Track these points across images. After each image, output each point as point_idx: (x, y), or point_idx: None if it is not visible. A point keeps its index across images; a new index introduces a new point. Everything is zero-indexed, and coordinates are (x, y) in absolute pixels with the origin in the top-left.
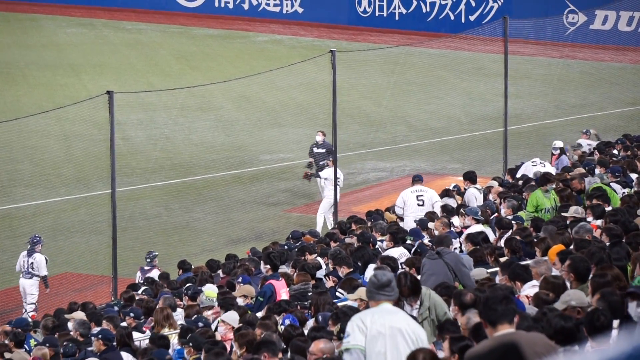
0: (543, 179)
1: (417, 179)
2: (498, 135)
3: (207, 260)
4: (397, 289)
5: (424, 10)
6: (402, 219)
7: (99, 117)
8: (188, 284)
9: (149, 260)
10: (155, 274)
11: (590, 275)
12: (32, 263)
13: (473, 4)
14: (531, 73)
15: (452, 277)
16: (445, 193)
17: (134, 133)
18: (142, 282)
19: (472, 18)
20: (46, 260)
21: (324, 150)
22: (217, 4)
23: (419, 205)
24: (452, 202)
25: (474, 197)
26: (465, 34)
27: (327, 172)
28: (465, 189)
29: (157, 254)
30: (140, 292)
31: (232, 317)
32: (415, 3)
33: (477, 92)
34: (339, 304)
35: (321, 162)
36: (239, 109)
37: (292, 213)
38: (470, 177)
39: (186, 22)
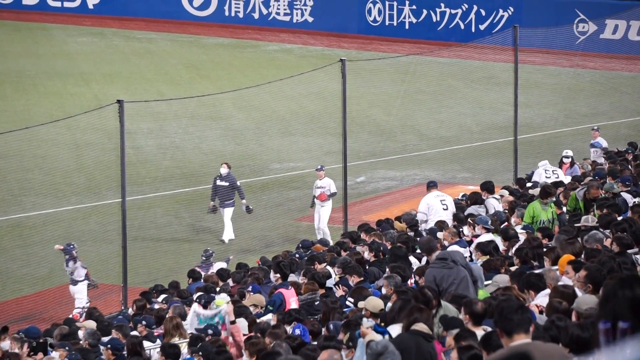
0: (543, 192)
1: (432, 185)
2: (508, 144)
3: (217, 269)
4: (396, 352)
5: (434, 20)
6: (412, 229)
7: (109, 126)
8: (199, 293)
9: (204, 258)
10: (218, 265)
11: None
12: (71, 272)
13: (483, 13)
14: (541, 82)
15: (472, 282)
16: (474, 201)
17: (144, 142)
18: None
19: (482, 27)
20: (82, 265)
21: (227, 184)
22: (227, 13)
23: (444, 209)
24: (482, 211)
25: (493, 207)
26: (476, 43)
27: (326, 182)
28: (483, 199)
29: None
30: (160, 299)
31: (241, 325)
32: (425, 12)
33: (488, 101)
34: (349, 312)
35: (226, 200)
36: (249, 118)
37: (302, 222)
38: (488, 187)
39: (196, 31)
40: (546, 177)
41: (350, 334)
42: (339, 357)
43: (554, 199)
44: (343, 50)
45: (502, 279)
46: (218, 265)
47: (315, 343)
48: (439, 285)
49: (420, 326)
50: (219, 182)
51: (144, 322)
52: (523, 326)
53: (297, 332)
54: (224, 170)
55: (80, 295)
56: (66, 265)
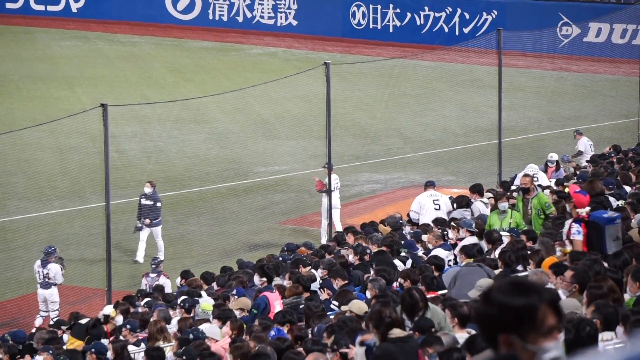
0: (494, 200)
1: (429, 184)
2: (492, 147)
3: (202, 273)
4: None
5: (418, 23)
6: (396, 232)
7: (93, 129)
8: (184, 297)
9: (154, 266)
10: (162, 281)
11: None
12: (47, 273)
13: (467, 16)
14: (525, 85)
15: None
16: (460, 204)
17: (128, 146)
18: (147, 289)
19: (466, 30)
20: (62, 267)
21: (151, 203)
22: (211, 17)
23: (435, 209)
24: (467, 214)
25: (479, 210)
26: (460, 46)
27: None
28: (471, 202)
29: (162, 259)
30: (142, 303)
31: (213, 331)
32: (409, 15)
33: (472, 104)
34: (333, 316)
35: (151, 216)
36: (233, 122)
37: (287, 225)
38: (478, 190)
39: (180, 34)
40: None
41: (335, 337)
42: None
43: (506, 205)
44: (327, 54)
45: (486, 283)
46: (163, 279)
47: (297, 346)
48: (455, 280)
49: (396, 332)
50: (143, 201)
51: (128, 326)
52: None
53: (272, 333)
54: (147, 190)
55: (55, 298)
56: (43, 267)
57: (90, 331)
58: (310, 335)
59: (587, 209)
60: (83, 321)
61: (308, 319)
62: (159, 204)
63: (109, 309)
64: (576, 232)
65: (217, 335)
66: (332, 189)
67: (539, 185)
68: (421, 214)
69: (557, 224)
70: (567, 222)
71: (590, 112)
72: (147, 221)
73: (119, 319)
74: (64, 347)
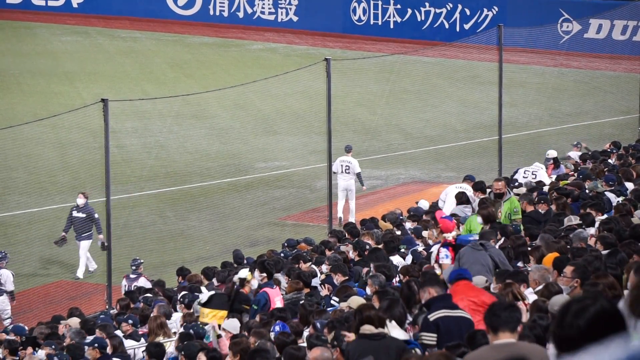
0: (480, 203)
1: (467, 178)
2: (493, 143)
3: (203, 268)
4: None
5: (419, 19)
6: (398, 228)
7: (94, 125)
8: (184, 292)
9: (134, 267)
10: (142, 282)
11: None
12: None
13: (468, 12)
14: (526, 81)
15: (493, 270)
16: (460, 200)
17: (129, 141)
18: (128, 290)
19: (466, 26)
20: (12, 275)
21: (84, 215)
22: (212, 12)
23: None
24: (468, 210)
25: None
26: (460, 43)
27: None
28: (474, 199)
29: (142, 261)
30: (140, 298)
31: (233, 325)
32: (410, 11)
33: (472, 100)
34: (332, 312)
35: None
36: (234, 117)
37: (288, 221)
38: (481, 188)
39: (181, 30)
40: (524, 177)
41: (336, 332)
42: (330, 354)
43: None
44: (328, 50)
45: (479, 281)
46: (143, 281)
47: (301, 341)
48: (460, 264)
49: (365, 328)
50: (75, 214)
51: (130, 321)
52: (509, 324)
53: (277, 328)
54: (80, 201)
55: (6, 306)
56: None
57: (237, 297)
58: (311, 330)
59: (454, 233)
60: (208, 294)
61: (302, 317)
62: (96, 215)
63: (244, 272)
64: (444, 257)
65: (237, 330)
66: (335, 171)
67: (539, 182)
68: (445, 204)
69: (558, 220)
70: (435, 247)
71: (590, 108)
72: (63, 234)
73: (254, 283)
74: (204, 320)
